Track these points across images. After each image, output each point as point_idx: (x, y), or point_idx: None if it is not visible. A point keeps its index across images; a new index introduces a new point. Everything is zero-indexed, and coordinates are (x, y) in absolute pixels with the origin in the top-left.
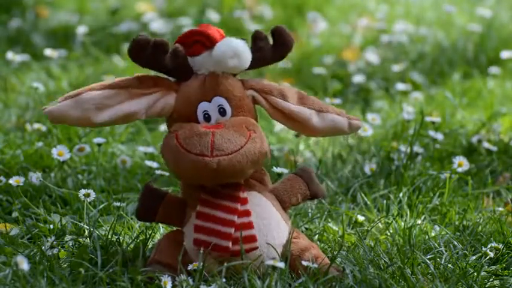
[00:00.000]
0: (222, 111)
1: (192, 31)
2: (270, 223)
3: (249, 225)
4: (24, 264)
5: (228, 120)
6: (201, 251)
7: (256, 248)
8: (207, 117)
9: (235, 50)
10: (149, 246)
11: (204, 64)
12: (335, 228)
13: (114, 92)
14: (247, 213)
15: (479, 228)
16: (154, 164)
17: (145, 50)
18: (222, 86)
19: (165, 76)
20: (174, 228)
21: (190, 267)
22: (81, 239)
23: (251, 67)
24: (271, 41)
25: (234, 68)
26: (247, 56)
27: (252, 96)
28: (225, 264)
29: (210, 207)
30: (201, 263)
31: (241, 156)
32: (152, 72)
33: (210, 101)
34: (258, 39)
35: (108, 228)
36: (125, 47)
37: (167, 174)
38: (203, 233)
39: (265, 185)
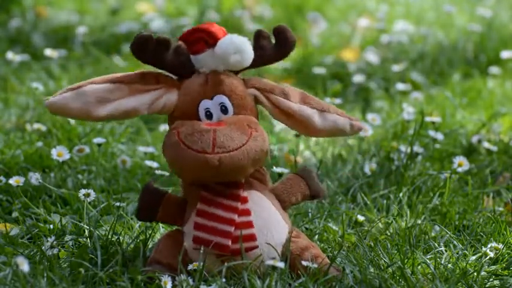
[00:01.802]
0: (223, 110)
1: (195, 28)
2: (269, 222)
3: (249, 224)
4: (24, 265)
5: (229, 118)
6: (201, 250)
7: (256, 247)
8: (209, 115)
9: (238, 46)
10: (149, 246)
11: (206, 62)
12: (335, 228)
13: (116, 86)
14: (247, 212)
15: (479, 228)
16: (154, 164)
17: (148, 47)
18: (224, 84)
19: (167, 73)
20: (174, 228)
21: (190, 267)
22: (81, 239)
23: (253, 65)
24: (273, 40)
25: (236, 65)
26: (249, 53)
27: (254, 95)
28: (225, 264)
29: (210, 205)
30: (201, 263)
31: (243, 154)
32: (154, 70)
33: (211, 99)
34: (261, 37)
35: (108, 228)
36: (125, 47)
37: (167, 174)
38: (203, 231)
39: (265, 184)
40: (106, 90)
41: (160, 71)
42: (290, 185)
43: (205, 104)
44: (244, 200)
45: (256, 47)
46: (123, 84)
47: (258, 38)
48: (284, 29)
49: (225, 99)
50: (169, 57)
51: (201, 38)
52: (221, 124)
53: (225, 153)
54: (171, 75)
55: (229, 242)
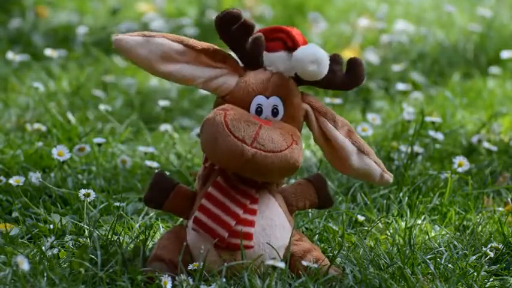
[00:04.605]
0: (274, 112)
1: (278, 28)
2: (275, 224)
3: (250, 223)
4: (24, 264)
5: (277, 121)
6: (201, 252)
7: (251, 247)
8: (259, 111)
9: (318, 56)
10: (149, 246)
11: (276, 62)
12: (335, 228)
13: (185, 50)
14: (253, 212)
15: (479, 228)
16: (155, 164)
17: (233, 25)
18: (284, 88)
19: (236, 57)
20: (177, 224)
21: (190, 267)
22: (81, 239)
23: (318, 84)
24: (344, 68)
25: (312, 74)
26: (326, 66)
27: (306, 111)
28: (225, 264)
29: (221, 192)
30: (201, 263)
31: (277, 159)
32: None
33: (268, 98)
34: (335, 62)
35: (108, 228)
36: None
37: (167, 174)
38: (205, 214)
39: (276, 186)
40: (175, 49)
41: (230, 52)
42: (300, 190)
43: (259, 99)
44: (255, 201)
45: (329, 69)
46: (192, 51)
47: (332, 61)
48: (358, 63)
49: (279, 103)
50: (246, 44)
51: (281, 38)
52: (268, 123)
53: (262, 151)
54: (238, 60)
55: (226, 234)
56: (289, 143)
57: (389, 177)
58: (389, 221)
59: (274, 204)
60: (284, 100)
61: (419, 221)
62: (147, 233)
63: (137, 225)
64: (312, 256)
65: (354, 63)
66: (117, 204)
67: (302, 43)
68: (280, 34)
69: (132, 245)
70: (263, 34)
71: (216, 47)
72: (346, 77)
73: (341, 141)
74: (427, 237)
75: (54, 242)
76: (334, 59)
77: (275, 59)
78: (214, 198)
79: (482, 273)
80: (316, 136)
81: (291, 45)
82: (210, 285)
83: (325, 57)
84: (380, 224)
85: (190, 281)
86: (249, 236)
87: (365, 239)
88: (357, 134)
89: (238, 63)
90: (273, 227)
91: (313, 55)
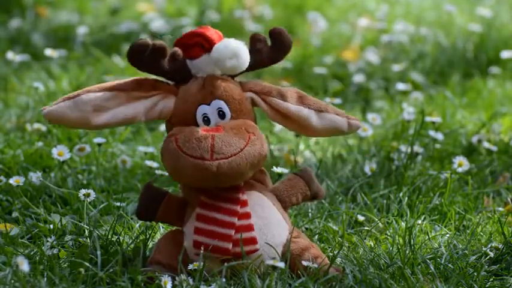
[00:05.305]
0: (221, 114)
1: (192, 32)
2: (270, 222)
3: (249, 228)
4: (24, 265)
5: (227, 123)
6: (201, 252)
7: (257, 250)
8: (207, 120)
9: (234, 50)
10: (149, 246)
11: (202, 67)
12: (335, 228)
13: (112, 94)
14: (247, 215)
15: (479, 228)
16: (154, 164)
17: (143, 54)
18: (221, 89)
19: (164, 80)
20: (174, 228)
21: (190, 267)
22: (81, 239)
23: (249, 69)
24: (269, 43)
25: (233, 69)
26: (245, 56)
27: (251, 99)
28: (225, 264)
29: (209, 209)
30: (201, 263)
31: (241, 159)
32: (151, 76)
33: (209, 104)
34: (256, 41)
35: (108, 228)
36: (125, 47)
37: (167, 174)
38: (203, 235)
39: (265, 185)
40: (103, 98)
41: (156, 77)
42: (290, 185)
43: (202, 109)
44: (244, 204)
45: (253, 50)
46: (120, 92)
47: (253, 42)
48: (280, 31)
49: (222, 104)
50: (165, 64)
51: (198, 43)
52: (219, 130)
53: (224, 159)
54: (167, 81)
55: (230, 246)
56: (247, 138)
57: (356, 121)
58: (389, 221)
59: (267, 204)
60: (225, 100)
61: (419, 221)
62: (147, 233)
63: (137, 225)
64: (310, 254)
65: (275, 33)
66: (117, 204)
67: (218, 40)
68: (196, 38)
69: (132, 245)
70: (182, 43)
71: (140, 77)
72: (272, 50)
73: (295, 111)
74: (427, 237)
75: (54, 242)
76: (254, 38)
77: (200, 65)
78: (206, 217)
79: (482, 273)
80: (271, 116)
81: (208, 46)
82: (210, 285)
83: (241, 48)
84: (380, 224)
85: (190, 281)
86: (253, 241)
87: (365, 239)
88: (309, 97)
89: (168, 83)
90: (268, 225)
91: (229, 50)
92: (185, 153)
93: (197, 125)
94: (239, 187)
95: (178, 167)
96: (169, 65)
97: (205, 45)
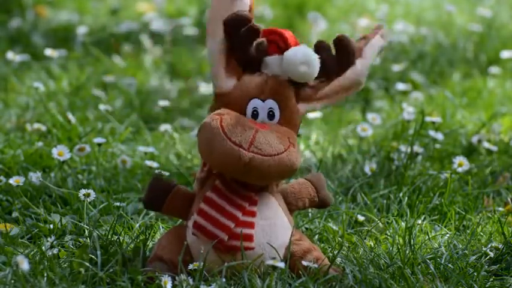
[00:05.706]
0: (270, 115)
1: (271, 30)
2: (275, 223)
3: (250, 225)
4: (24, 264)
5: (274, 125)
6: (202, 252)
7: (252, 248)
8: (255, 114)
9: (307, 57)
10: (149, 246)
11: (271, 65)
12: (335, 228)
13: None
14: (252, 213)
15: (479, 228)
16: (155, 164)
17: (240, 28)
18: (280, 91)
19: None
20: (177, 224)
21: (190, 266)
22: (81, 239)
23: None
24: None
25: (303, 75)
26: (316, 66)
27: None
28: (226, 264)
29: (220, 196)
30: (201, 263)
31: (274, 162)
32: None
33: (263, 101)
34: (321, 49)
35: (108, 228)
36: (125, 47)
37: (167, 174)
38: (204, 218)
39: (275, 185)
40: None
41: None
42: (299, 189)
43: (255, 103)
44: (254, 203)
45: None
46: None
47: (318, 50)
48: (346, 41)
49: (275, 106)
50: (250, 48)
51: (275, 41)
52: (265, 127)
53: (259, 154)
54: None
55: (226, 237)
56: (287, 146)
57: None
58: (390, 221)
59: (273, 204)
60: (280, 103)
61: (419, 221)
62: (147, 233)
63: (137, 225)
64: (312, 256)
65: (339, 43)
66: (117, 204)
67: (294, 45)
68: (275, 36)
69: (132, 245)
70: (263, 36)
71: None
72: (336, 60)
73: (351, 76)
74: (427, 237)
75: (54, 242)
76: (319, 46)
77: (270, 62)
78: (213, 201)
79: (482, 273)
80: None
81: (283, 46)
82: (210, 285)
83: (315, 58)
84: (380, 224)
85: (190, 281)
86: (249, 238)
87: (365, 239)
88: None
89: (237, 65)
90: (272, 226)
91: (303, 56)
92: (226, 134)
93: (244, 115)
94: (255, 187)
95: (214, 146)
96: (252, 51)
97: (281, 45)
